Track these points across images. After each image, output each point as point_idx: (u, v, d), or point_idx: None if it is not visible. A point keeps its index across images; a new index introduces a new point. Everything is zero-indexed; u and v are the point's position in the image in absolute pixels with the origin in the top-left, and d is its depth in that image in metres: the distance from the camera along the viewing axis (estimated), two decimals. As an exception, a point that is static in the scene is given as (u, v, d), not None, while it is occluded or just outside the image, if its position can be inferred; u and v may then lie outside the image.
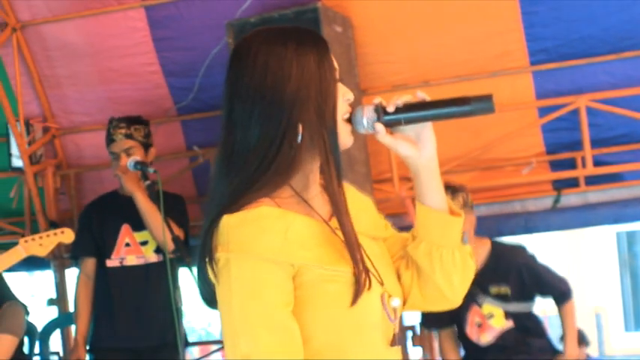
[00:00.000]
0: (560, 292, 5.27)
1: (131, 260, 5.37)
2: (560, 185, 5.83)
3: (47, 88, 6.34)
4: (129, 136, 5.30)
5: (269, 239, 1.95)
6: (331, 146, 2.04)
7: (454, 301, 2.20)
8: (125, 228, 5.39)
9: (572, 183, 5.79)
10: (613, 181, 5.74)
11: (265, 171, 2.01)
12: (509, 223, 5.86)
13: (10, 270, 5.01)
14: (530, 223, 5.81)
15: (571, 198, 5.81)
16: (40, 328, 6.06)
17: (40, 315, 7.07)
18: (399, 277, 2.19)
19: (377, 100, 2.08)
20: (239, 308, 1.94)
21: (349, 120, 2.08)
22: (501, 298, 5.15)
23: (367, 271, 2.01)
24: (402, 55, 5.71)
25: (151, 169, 5.05)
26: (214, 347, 7.82)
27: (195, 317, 13.78)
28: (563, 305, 5.29)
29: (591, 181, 5.75)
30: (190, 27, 5.87)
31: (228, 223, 1.98)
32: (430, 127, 2.10)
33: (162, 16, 5.90)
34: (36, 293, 12.23)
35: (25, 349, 5.64)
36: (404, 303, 2.18)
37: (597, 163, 5.70)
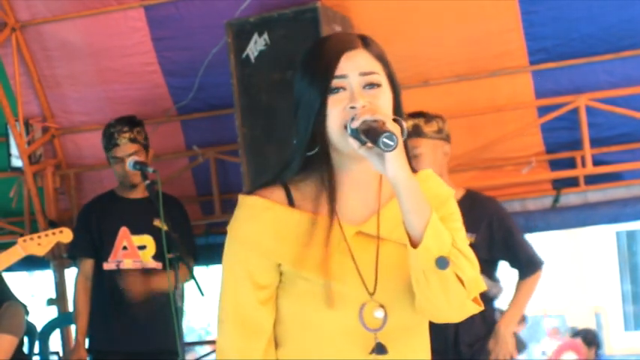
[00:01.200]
0: (529, 258, 4.91)
1: (128, 264, 5.37)
2: (559, 185, 5.82)
3: (46, 88, 6.34)
4: (133, 140, 5.31)
5: (252, 227, 2.20)
6: (323, 156, 2.20)
7: (439, 318, 2.22)
8: (123, 231, 5.38)
9: (572, 182, 5.79)
10: (612, 181, 5.73)
11: (284, 167, 2.26)
12: (508, 223, 5.86)
13: (9, 270, 5.01)
14: (530, 222, 5.80)
15: (570, 197, 5.80)
16: (39, 328, 6.06)
17: (40, 315, 7.07)
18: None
19: (365, 115, 2.11)
20: (223, 280, 2.26)
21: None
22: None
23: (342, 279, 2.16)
24: (401, 54, 5.69)
25: (150, 169, 5.05)
26: (212, 348, 7.83)
27: (195, 317, 13.76)
28: (528, 277, 4.91)
29: (591, 180, 5.74)
30: (190, 27, 5.86)
31: (238, 201, 2.26)
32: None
33: (161, 15, 5.90)
34: (36, 293, 12.22)
35: (25, 349, 5.64)
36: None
37: (597, 162, 5.69)
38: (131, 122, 5.35)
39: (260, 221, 2.19)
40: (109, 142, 5.35)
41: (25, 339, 5.57)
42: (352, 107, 2.14)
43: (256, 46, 5.20)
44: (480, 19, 5.56)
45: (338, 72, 2.17)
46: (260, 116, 5.20)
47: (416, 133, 4.73)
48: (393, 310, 2.18)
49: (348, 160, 2.20)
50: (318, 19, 5.10)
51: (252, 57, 5.22)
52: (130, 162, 5.14)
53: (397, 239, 2.17)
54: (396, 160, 2.05)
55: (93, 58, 6.14)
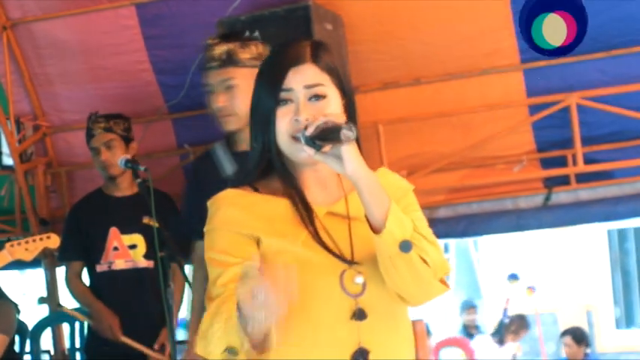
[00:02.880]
0: None
1: (119, 264, 5.36)
2: (551, 183, 5.83)
3: (38, 86, 6.33)
4: (108, 130, 5.30)
5: (225, 213, 2.35)
6: (275, 159, 2.39)
7: (411, 303, 2.37)
8: (113, 231, 5.37)
9: (563, 181, 5.79)
10: (604, 179, 5.74)
11: (253, 167, 2.44)
12: (500, 221, 5.86)
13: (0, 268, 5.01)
14: (522, 220, 5.81)
15: (562, 196, 5.81)
16: (30, 327, 6.05)
17: (31, 313, 7.06)
18: None
19: (320, 120, 2.27)
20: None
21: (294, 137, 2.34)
22: None
23: (326, 246, 2.31)
24: (393, 52, 5.71)
25: (141, 167, 5.03)
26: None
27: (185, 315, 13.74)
28: None
29: (582, 178, 5.75)
30: (181, 25, 5.86)
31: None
32: (346, 147, 2.23)
33: (152, 14, 5.89)
34: (27, 292, 12.21)
35: (16, 348, 5.63)
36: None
37: (588, 160, 5.70)
38: (110, 115, 5.36)
39: (235, 205, 2.35)
40: (87, 134, 5.38)
41: (16, 338, 5.56)
42: (297, 119, 2.32)
43: (248, 44, 5.18)
44: (471, 17, 5.56)
45: (285, 85, 2.35)
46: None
47: (230, 61, 4.27)
48: (371, 278, 2.31)
49: (302, 165, 2.38)
50: (310, 18, 5.10)
51: (243, 55, 5.20)
52: (120, 160, 5.11)
53: (361, 217, 2.31)
54: (353, 157, 2.23)
55: (84, 56, 6.13)
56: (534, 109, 5.73)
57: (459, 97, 5.74)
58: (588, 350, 10.22)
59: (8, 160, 6.29)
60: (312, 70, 2.36)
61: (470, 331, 11.90)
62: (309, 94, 2.35)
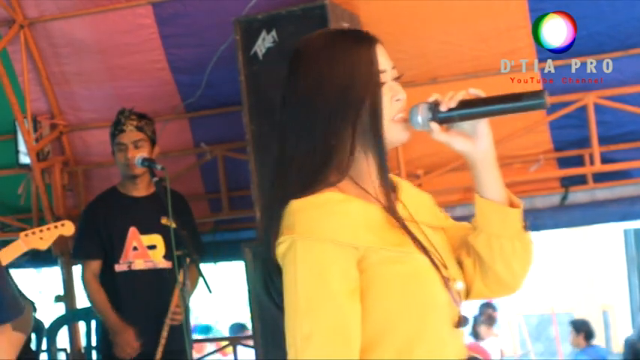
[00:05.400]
0: None
1: (139, 265, 5.34)
2: (567, 182, 5.82)
3: (55, 85, 6.35)
4: (140, 129, 5.28)
5: (334, 222, 2.02)
6: (381, 150, 2.12)
7: (515, 287, 2.27)
8: (132, 231, 5.35)
9: (580, 180, 5.78)
10: (621, 179, 5.73)
11: (324, 170, 2.10)
12: (516, 221, 5.85)
13: (17, 267, 5.02)
14: (538, 220, 5.79)
15: (579, 195, 5.80)
16: (47, 325, 6.07)
17: (48, 312, 7.08)
18: (460, 266, 2.25)
19: (432, 97, 2.15)
20: (304, 290, 1.99)
21: (404, 118, 2.16)
22: None
23: (428, 252, 2.09)
24: (410, 52, 5.70)
25: (158, 166, 5.04)
26: (219, 344, 7.84)
27: (202, 315, 13.78)
28: None
29: (599, 178, 5.74)
30: (198, 24, 5.87)
31: (295, 207, 2.05)
32: (485, 121, 2.15)
33: (169, 13, 5.90)
34: (43, 290, 12.24)
35: (33, 346, 5.64)
36: (468, 292, 2.25)
37: (605, 160, 5.69)
38: (141, 114, 5.35)
39: (340, 214, 2.04)
40: (116, 127, 5.32)
41: (33, 336, 5.57)
42: (398, 100, 2.16)
43: (264, 43, 5.19)
44: (488, 16, 5.55)
45: (380, 67, 2.16)
46: (268, 113, 5.19)
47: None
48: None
49: (367, 156, 2.16)
50: (327, 17, 5.10)
51: (260, 54, 5.22)
52: (137, 159, 5.13)
53: (426, 222, 2.22)
54: (489, 129, 2.14)
55: (101, 55, 6.15)
56: (551, 108, 5.71)
57: (476, 96, 5.73)
58: (591, 340, 10.25)
59: (25, 159, 6.30)
60: (384, 50, 2.21)
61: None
62: (393, 75, 2.19)
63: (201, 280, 5.01)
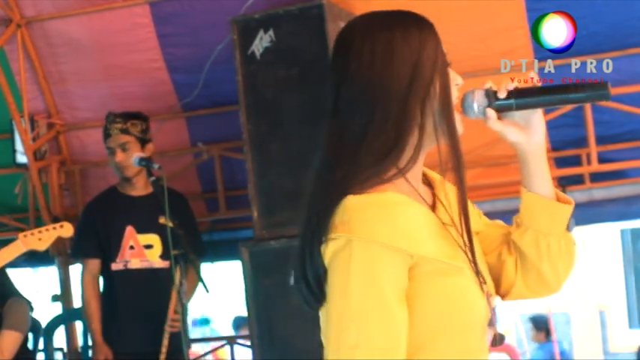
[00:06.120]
0: None
1: (135, 264, 5.35)
2: (565, 182, 5.81)
3: (52, 85, 6.34)
4: (125, 131, 5.29)
5: (394, 226, 1.87)
6: (454, 132, 2.00)
7: (557, 288, 2.16)
8: (129, 230, 5.36)
9: (577, 180, 5.78)
10: (618, 179, 5.73)
11: (383, 159, 1.94)
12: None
13: (14, 266, 5.01)
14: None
15: (576, 195, 5.79)
16: (44, 325, 6.06)
17: (45, 311, 7.08)
18: (499, 266, 2.14)
19: (487, 84, 2.06)
20: (356, 294, 1.85)
21: (460, 106, 2.05)
22: None
23: (478, 269, 1.97)
24: (407, 51, 5.69)
25: (155, 166, 5.04)
26: (217, 344, 7.83)
27: (199, 313, 13.79)
28: None
29: (596, 178, 5.74)
30: (195, 23, 5.87)
31: (353, 203, 1.89)
32: (540, 112, 2.06)
33: (166, 12, 5.90)
34: (40, 289, 12.24)
35: (30, 345, 5.64)
36: (506, 293, 2.14)
37: (602, 160, 5.69)
38: (127, 115, 5.35)
39: (399, 218, 1.89)
40: (104, 131, 5.37)
41: (30, 335, 5.57)
42: (457, 84, 2.07)
43: (262, 42, 5.19)
44: (485, 16, 5.55)
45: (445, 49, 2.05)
46: (265, 113, 5.19)
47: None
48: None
49: (430, 146, 2.05)
50: (324, 16, 5.09)
51: (257, 54, 5.21)
52: (134, 158, 5.13)
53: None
54: (543, 120, 2.04)
55: (98, 54, 6.15)
56: (549, 108, 5.71)
57: (473, 96, 5.73)
58: (549, 337, 10.38)
59: (22, 158, 6.30)
60: None
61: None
62: (449, 60, 2.07)
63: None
